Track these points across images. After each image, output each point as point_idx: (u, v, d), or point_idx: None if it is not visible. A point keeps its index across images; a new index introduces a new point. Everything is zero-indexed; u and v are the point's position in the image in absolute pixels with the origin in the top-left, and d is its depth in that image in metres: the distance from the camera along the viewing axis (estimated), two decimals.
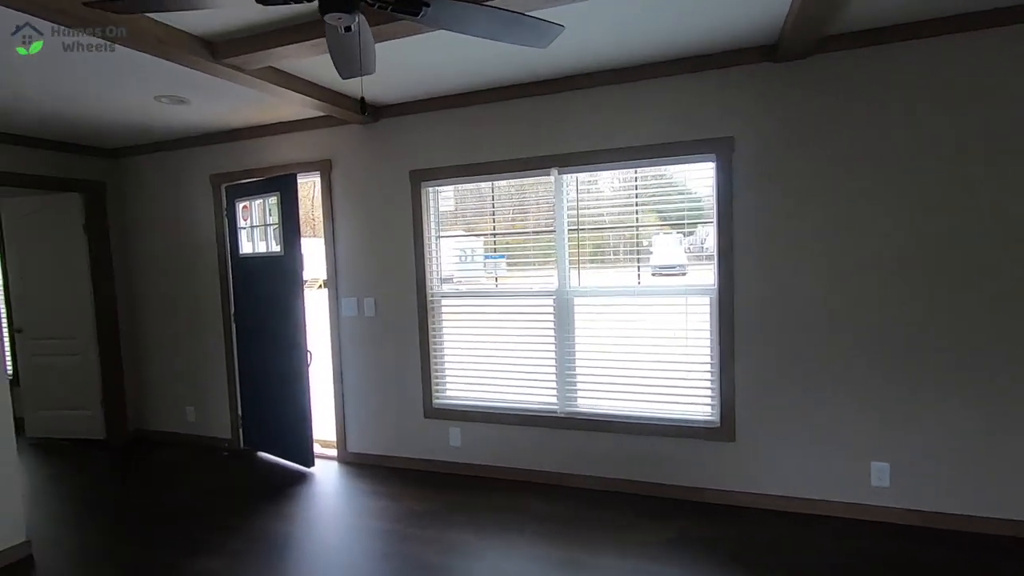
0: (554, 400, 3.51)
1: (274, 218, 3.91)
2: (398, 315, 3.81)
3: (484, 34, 1.65)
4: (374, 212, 3.82)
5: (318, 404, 4.10)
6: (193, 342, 4.55)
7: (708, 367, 3.20)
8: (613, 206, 3.41)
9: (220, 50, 2.54)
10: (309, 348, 3.89)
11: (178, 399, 4.68)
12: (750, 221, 2.99)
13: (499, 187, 3.61)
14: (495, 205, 3.66)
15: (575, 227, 3.39)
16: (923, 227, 2.72)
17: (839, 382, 2.90)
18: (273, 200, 3.90)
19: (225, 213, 4.27)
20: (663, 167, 3.19)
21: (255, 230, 4.09)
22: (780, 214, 2.93)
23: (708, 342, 3.19)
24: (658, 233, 3.38)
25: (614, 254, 3.46)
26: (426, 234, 3.71)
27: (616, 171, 3.31)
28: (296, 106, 3.54)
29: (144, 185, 4.62)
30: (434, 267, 3.76)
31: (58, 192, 4.47)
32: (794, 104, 2.86)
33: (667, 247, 3.48)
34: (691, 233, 3.38)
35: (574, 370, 3.46)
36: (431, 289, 3.75)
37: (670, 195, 3.32)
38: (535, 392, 3.57)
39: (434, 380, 3.78)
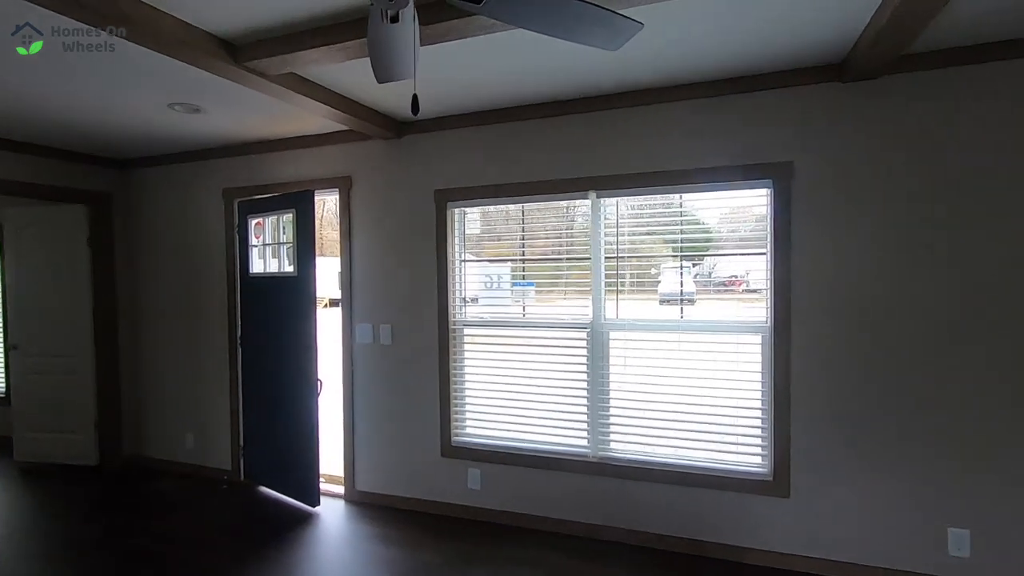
0: (585, 443, 3.21)
1: (288, 236, 3.68)
2: (417, 344, 3.54)
3: (548, 30, 1.42)
4: (395, 233, 3.58)
5: (327, 435, 3.80)
6: (196, 365, 4.28)
7: (759, 413, 2.90)
8: (656, 233, 3.16)
9: (242, 53, 2.34)
10: (319, 376, 3.62)
11: (177, 425, 4.40)
12: (810, 252, 2.73)
13: (530, 210, 3.37)
14: (525, 229, 3.42)
15: (613, 255, 3.13)
16: (1014, 265, 2.45)
17: (913, 434, 2.60)
18: (288, 217, 3.68)
19: (236, 230, 4.04)
20: (710, 192, 2.94)
21: (267, 248, 3.86)
22: (845, 246, 2.67)
23: (759, 385, 2.90)
24: (695, 261, 3.12)
25: (654, 285, 3.19)
26: (450, 258, 3.46)
27: (660, 196, 3.06)
28: (317, 118, 3.34)
29: (152, 198, 4.42)
30: (457, 293, 3.50)
31: (62, 203, 4.27)
32: (862, 128, 2.62)
33: (676, 276, 3.19)
34: (699, 263, 3.12)
35: (608, 410, 3.17)
36: (453, 317, 3.48)
37: (695, 222, 3.07)
38: (564, 433, 3.26)
39: (453, 416, 3.49)
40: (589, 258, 3.17)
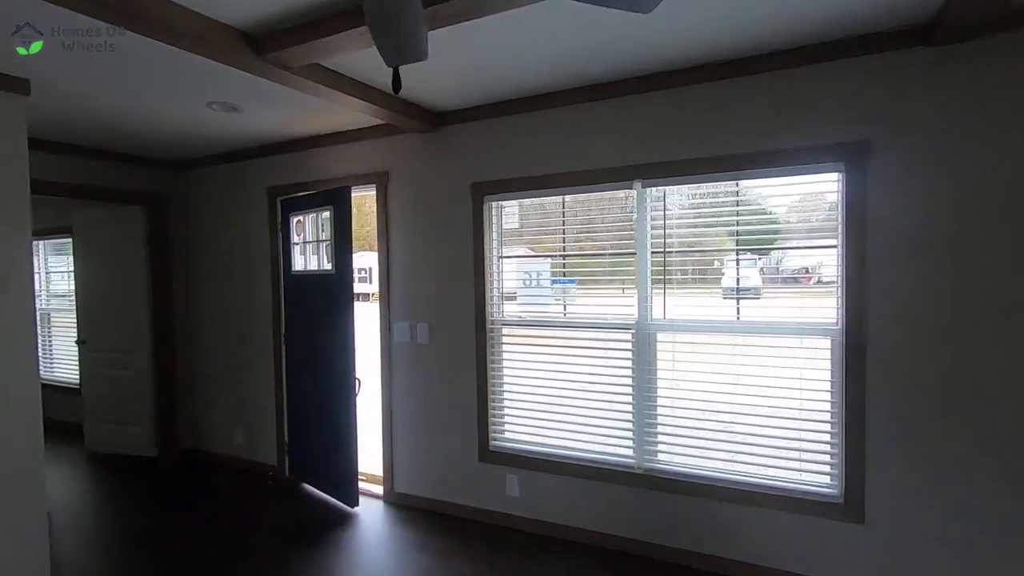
0: (630, 453, 2.97)
1: (326, 234, 3.64)
2: (454, 343, 3.42)
3: None
4: (432, 229, 3.47)
5: (366, 434, 3.76)
6: (244, 362, 4.35)
7: (828, 426, 2.58)
8: (709, 224, 2.88)
9: (264, 45, 2.26)
10: (357, 375, 3.56)
11: (228, 420, 4.50)
12: (889, 244, 2.38)
13: (571, 202, 3.16)
14: (565, 222, 3.22)
15: (660, 249, 2.88)
16: None
17: (1017, 454, 2.21)
18: (326, 215, 3.64)
19: (280, 228, 4.06)
20: (771, 179, 2.63)
21: (308, 246, 3.85)
22: (935, 236, 2.30)
23: (828, 395, 2.57)
24: (747, 255, 2.82)
25: (706, 282, 2.92)
26: (487, 254, 3.30)
27: (713, 184, 2.77)
28: (352, 113, 3.26)
29: (203, 198, 4.53)
30: (495, 291, 3.34)
31: (123, 204, 4.43)
32: (954, 99, 2.24)
33: (732, 271, 2.93)
34: (764, 256, 2.81)
35: (655, 418, 2.92)
36: (491, 316, 3.33)
37: (756, 212, 2.75)
38: (607, 441, 3.04)
39: (491, 419, 3.34)
40: (634, 253, 2.92)
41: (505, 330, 3.34)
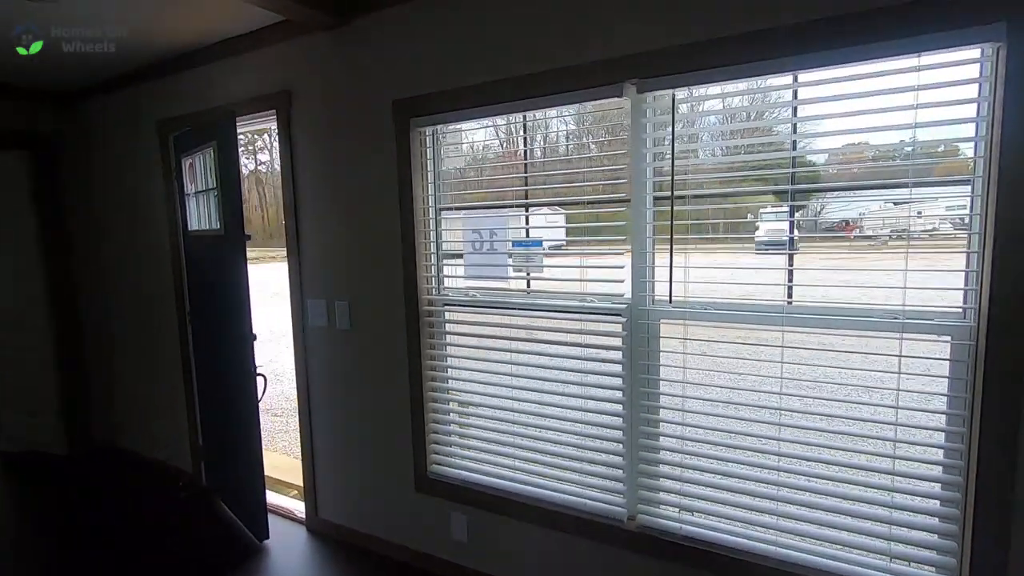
0: (619, 499, 2.01)
1: (214, 179, 2.68)
2: (381, 330, 2.47)
3: None
4: (346, 169, 2.47)
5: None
6: (156, 345, 3.50)
7: (938, 486, 1.56)
8: (748, 152, 1.81)
9: None
10: (261, 371, 2.66)
11: (144, 414, 3.70)
12: None
13: (534, 125, 2.12)
14: (530, 157, 2.18)
15: (663, 192, 1.83)
16: None
17: None
18: (211, 154, 2.66)
19: (174, 174, 3.12)
20: (859, 64, 1.52)
21: (199, 197, 2.90)
22: None
23: (941, 434, 1.55)
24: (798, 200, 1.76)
25: (740, 242, 1.88)
26: (419, 205, 2.30)
27: (756, 79, 1.68)
28: (229, 7, 2.25)
29: (98, 139, 3.59)
30: (432, 259, 2.36)
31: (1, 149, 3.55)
32: None
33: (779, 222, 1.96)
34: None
35: (656, 451, 1.94)
36: (427, 294, 2.36)
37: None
38: (586, 480, 2.09)
39: (430, 436, 2.42)
40: (628, 200, 1.89)
41: (448, 314, 2.37)
